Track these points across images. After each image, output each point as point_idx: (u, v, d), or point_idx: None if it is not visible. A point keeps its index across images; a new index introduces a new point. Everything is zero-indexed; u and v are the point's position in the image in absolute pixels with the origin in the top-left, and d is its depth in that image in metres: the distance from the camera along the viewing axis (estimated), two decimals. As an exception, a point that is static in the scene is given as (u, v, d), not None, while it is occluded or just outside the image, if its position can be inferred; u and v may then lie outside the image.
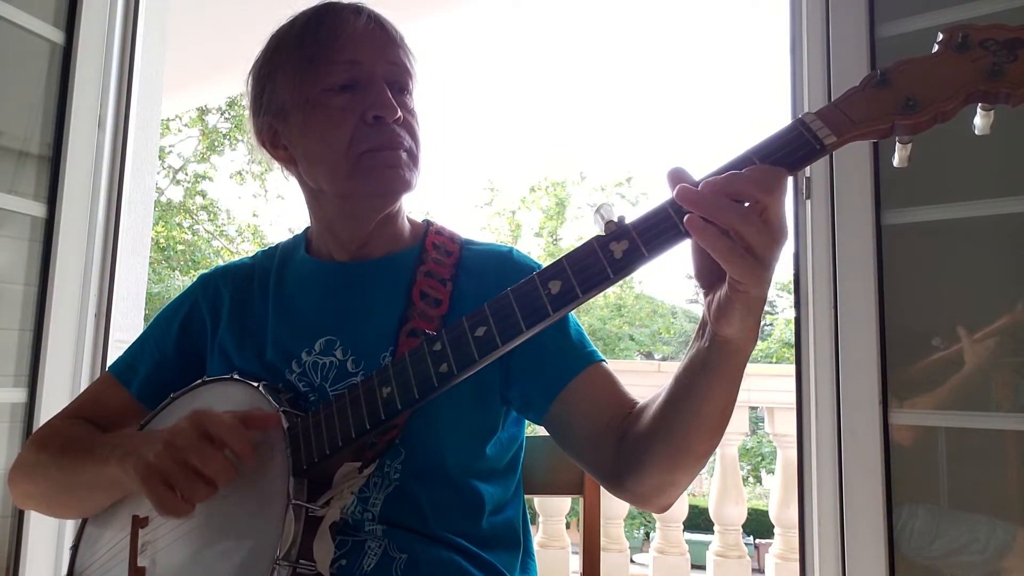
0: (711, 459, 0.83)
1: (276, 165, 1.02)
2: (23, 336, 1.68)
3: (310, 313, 0.98)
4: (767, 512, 3.47)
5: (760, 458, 15.75)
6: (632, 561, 3.63)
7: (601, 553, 1.15)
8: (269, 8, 1.13)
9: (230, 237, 17.06)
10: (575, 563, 2.62)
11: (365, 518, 0.87)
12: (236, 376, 0.93)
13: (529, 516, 1.06)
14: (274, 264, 1.06)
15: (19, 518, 1.64)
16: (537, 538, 3.41)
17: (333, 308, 0.97)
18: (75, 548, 0.98)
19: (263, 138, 1.00)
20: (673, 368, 0.76)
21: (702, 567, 3.44)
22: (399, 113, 0.92)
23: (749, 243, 0.60)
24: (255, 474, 0.82)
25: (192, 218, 16.60)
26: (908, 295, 1.44)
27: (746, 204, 0.61)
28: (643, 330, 17.44)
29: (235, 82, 4.51)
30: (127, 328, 1.85)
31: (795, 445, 1.53)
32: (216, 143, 16.31)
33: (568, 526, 3.58)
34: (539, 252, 17.11)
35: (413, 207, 1.06)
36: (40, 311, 1.69)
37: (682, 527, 3.47)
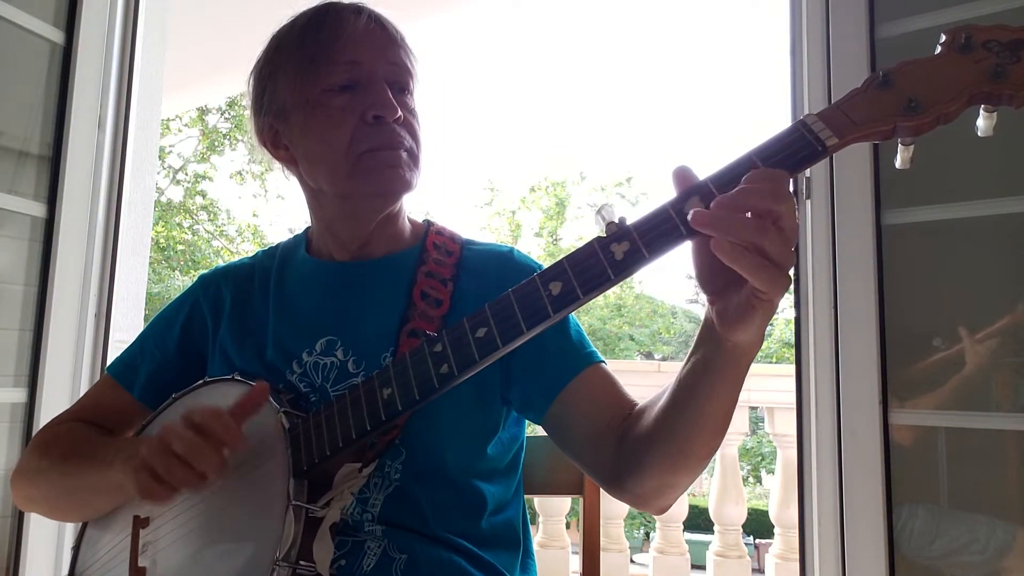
0: (711, 459, 0.83)
1: (277, 165, 1.02)
2: (23, 336, 1.68)
3: (311, 313, 0.98)
4: (767, 512, 3.47)
5: (760, 458, 15.75)
6: (632, 561, 3.63)
7: (601, 553, 1.15)
8: (269, 8, 1.13)
9: (230, 237, 17.06)
10: (575, 563, 2.62)
11: (364, 518, 0.87)
12: (237, 377, 0.93)
13: (529, 516, 1.06)
14: (275, 264, 1.06)
15: (19, 518, 1.64)
16: (537, 538, 3.41)
17: (334, 308, 0.97)
18: (76, 549, 0.98)
19: (264, 138, 1.00)
20: (673, 368, 0.76)
21: (702, 567, 3.44)
22: (399, 113, 0.92)
23: (768, 253, 0.60)
24: (256, 475, 0.82)
25: (192, 218, 16.60)
26: (908, 295, 1.43)
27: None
28: (643, 330, 17.44)
29: (235, 82, 4.51)
30: (127, 328, 1.85)
31: (795, 445, 1.53)
32: (216, 143, 16.30)
33: (568, 526, 3.58)
34: (539, 252, 17.11)
35: (413, 207, 1.06)
36: (40, 311, 1.69)
37: (682, 527, 3.47)
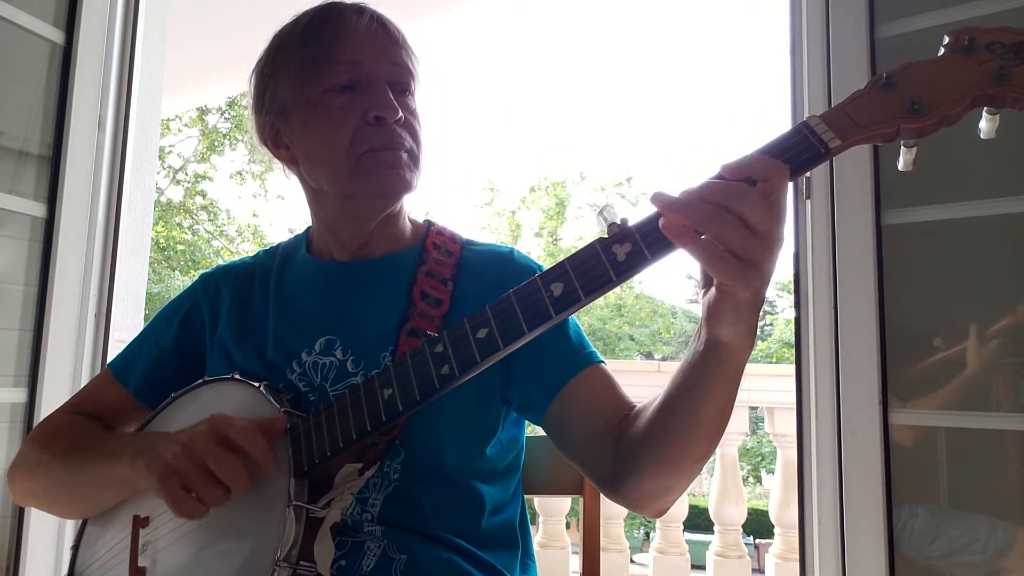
0: (711, 459, 0.83)
1: (277, 165, 1.02)
2: (23, 336, 1.67)
3: (310, 313, 0.98)
4: (767, 512, 3.47)
5: (760, 458, 15.75)
6: (632, 561, 3.63)
7: (601, 553, 1.15)
8: (269, 8, 1.13)
9: (230, 237, 17.05)
10: (575, 563, 2.62)
11: (364, 519, 0.87)
12: (237, 376, 0.92)
13: (529, 516, 1.06)
14: (275, 264, 1.06)
15: (19, 517, 1.64)
16: (537, 538, 3.41)
17: (333, 308, 0.97)
18: (76, 548, 0.98)
19: (265, 137, 1.00)
20: (673, 369, 0.76)
21: (702, 567, 3.43)
22: (400, 114, 0.92)
23: (730, 246, 0.60)
24: (256, 475, 0.82)
25: (192, 218, 16.59)
26: (908, 295, 1.43)
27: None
28: (643, 330, 17.44)
29: (235, 82, 4.51)
30: (127, 328, 1.85)
31: (795, 445, 1.53)
32: (216, 143, 16.30)
33: (568, 526, 3.58)
34: (539, 252, 17.12)
35: (413, 207, 1.06)
36: (40, 311, 1.69)
37: (682, 527, 3.47)
